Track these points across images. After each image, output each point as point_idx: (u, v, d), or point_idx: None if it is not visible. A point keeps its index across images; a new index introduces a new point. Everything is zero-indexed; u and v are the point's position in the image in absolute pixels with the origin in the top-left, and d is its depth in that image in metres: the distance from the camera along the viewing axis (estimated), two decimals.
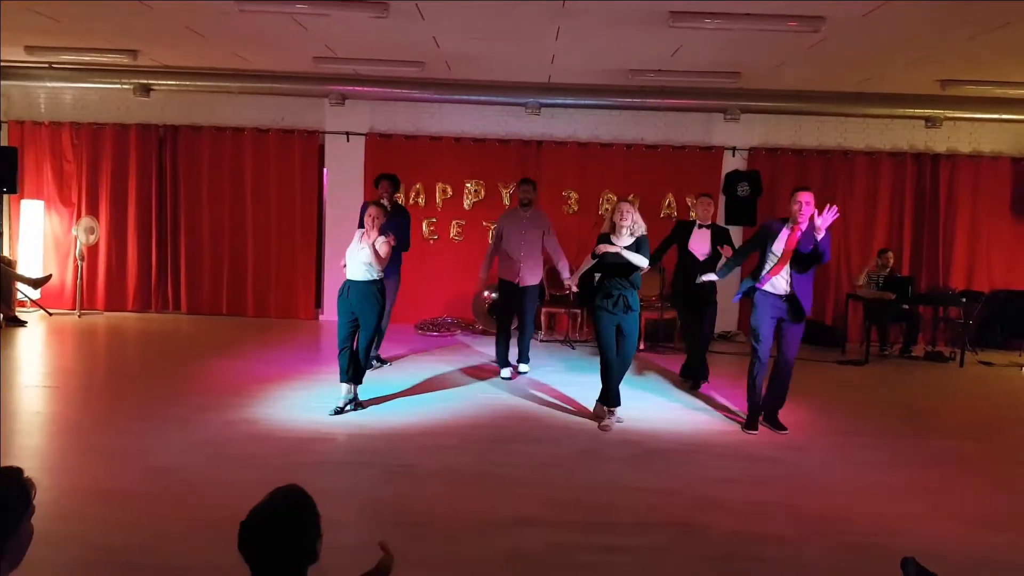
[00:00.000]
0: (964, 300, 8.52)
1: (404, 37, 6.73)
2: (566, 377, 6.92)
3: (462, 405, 5.90)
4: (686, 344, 7.11)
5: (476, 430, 5.31)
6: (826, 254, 5.14)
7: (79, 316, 9.03)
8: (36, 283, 8.88)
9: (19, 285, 8.81)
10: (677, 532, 3.77)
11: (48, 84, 8.91)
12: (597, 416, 5.61)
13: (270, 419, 5.32)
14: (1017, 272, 9.38)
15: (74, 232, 9.10)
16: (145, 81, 8.77)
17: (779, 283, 5.33)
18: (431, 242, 9.40)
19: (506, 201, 9.27)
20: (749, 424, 5.53)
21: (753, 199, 9.19)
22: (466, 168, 9.37)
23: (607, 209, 9.00)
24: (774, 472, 4.70)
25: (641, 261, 5.33)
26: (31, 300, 9.17)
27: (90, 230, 9.06)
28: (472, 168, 9.38)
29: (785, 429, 5.47)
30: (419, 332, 8.92)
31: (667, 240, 6.82)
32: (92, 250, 9.33)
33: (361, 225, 5.84)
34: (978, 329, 8.99)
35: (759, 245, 5.50)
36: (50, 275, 9.19)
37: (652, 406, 6.07)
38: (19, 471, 1.80)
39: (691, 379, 6.77)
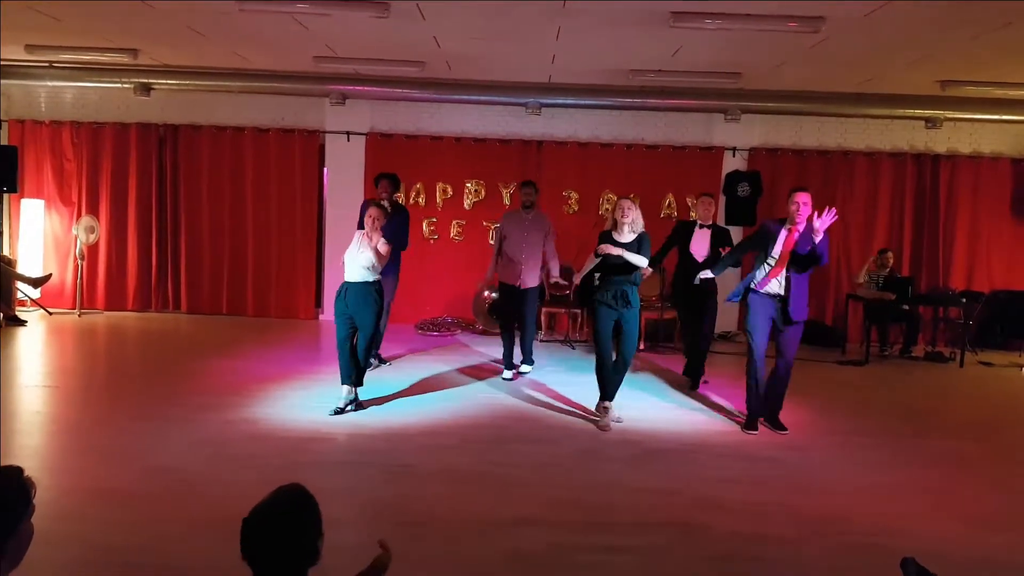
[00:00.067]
0: (964, 300, 8.53)
1: (404, 37, 6.73)
2: (566, 377, 6.92)
3: (462, 405, 5.90)
4: (685, 344, 7.11)
5: (476, 430, 5.31)
6: (824, 256, 5.14)
7: (79, 315, 9.03)
8: (36, 282, 8.88)
9: (19, 284, 8.81)
10: (677, 532, 3.77)
11: (48, 83, 8.91)
12: (599, 416, 5.60)
13: (270, 419, 5.32)
14: (1017, 272, 9.39)
15: (74, 231, 9.10)
16: (145, 80, 8.77)
17: (773, 285, 5.34)
18: (431, 242, 9.40)
19: (506, 201, 9.27)
20: (749, 424, 5.53)
21: (753, 199, 9.19)
22: (466, 168, 9.37)
23: (607, 209, 9.00)
24: (774, 472, 4.70)
25: (642, 261, 5.34)
26: (31, 299, 9.17)
27: (90, 229, 9.06)
28: (472, 168, 9.38)
29: (785, 429, 5.48)
30: (419, 332, 8.92)
31: (668, 242, 6.82)
32: (92, 249, 9.33)
33: (361, 225, 5.84)
34: (978, 329, 9.00)
35: (757, 246, 5.50)
36: (50, 274, 9.19)
37: (652, 406, 6.07)
38: (19, 470, 1.80)
39: (691, 378, 6.78)
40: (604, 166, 9.36)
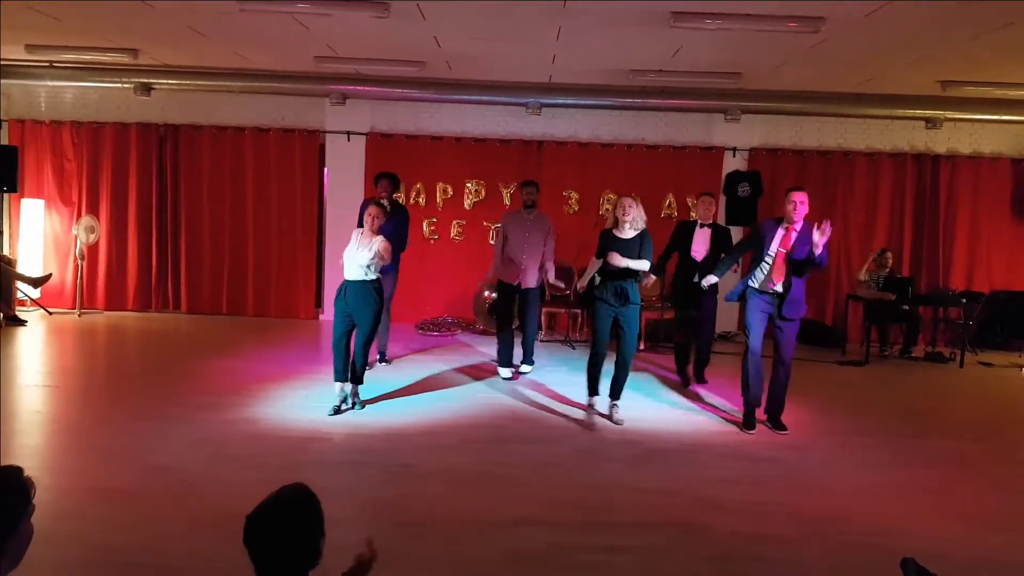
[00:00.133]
0: (964, 301, 8.53)
1: (405, 37, 6.73)
2: (566, 377, 6.91)
3: (462, 405, 5.90)
4: (676, 343, 7.11)
5: (476, 430, 5.31)
6: (823, 261, 5.18)
7: (79, 315, 9.03)
8: (36, 282, 8.88)
9: (19, 284, 8.81)
10: (677, 532, 3.77)
11: (49, 83, 8.91)
12: (612, 418, 5.60)
13: (270, 419, 5.32)
14: (1017, 273, 9.38)
15: (74, 231, 9.10)
16: (146, 80, 8.77)
17: (771, 284, 5.37)
18: (431, 242, 9.40)
19: (507, 201, 9.27)
20: (746, 423, 5.54)
21: (754, 199, 9.18)
22: (467, 168, 9.37)
23: (607, 209, 9.00)
24: (774, 472, 4.70)
25: (644, 265, 5.36)
26: (31, 299, 9.17)
27: (90, 229, 9.06)
28: (473, 168, 9.38)
29: (785, 429, 5.48)
30: (419, 332, 8.92)
31: (671, 245, 6.83)
32: (92, 249, 9.33)
33: (360, 224, 5.84)
34: (978, 330, 9.00)
35: (753, 246, 5.51)
36: (50, 274, 9.19)
37: (652, 406, 6.07)
38: (19, 470, 1.80)
39: (696, 376, 6.83)
40: (604, 166, 9.36)
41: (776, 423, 5.53)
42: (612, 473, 4.60)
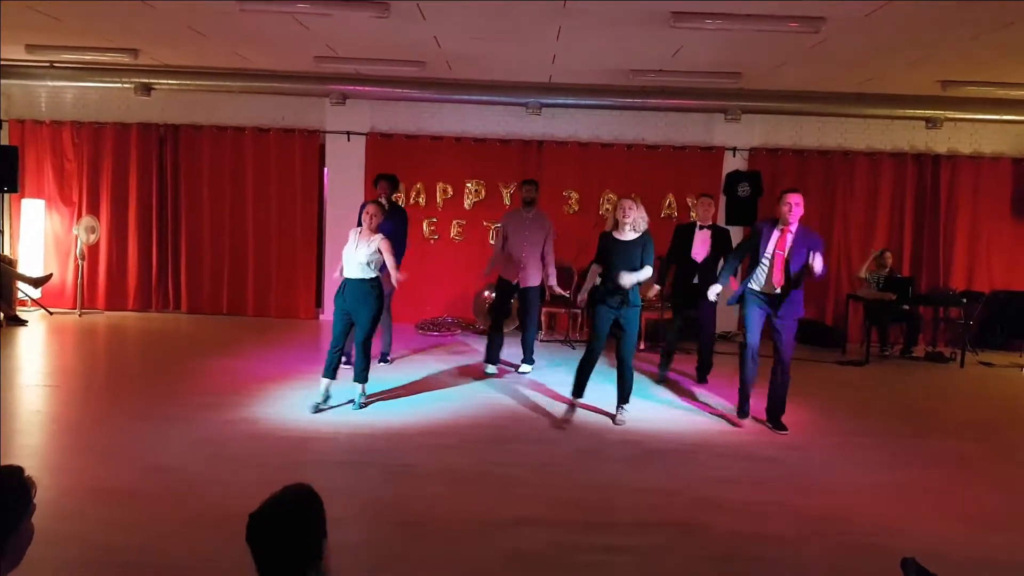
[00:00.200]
0: (964, 301, 8.53)
1: (405, 37, 6.73)
2: (566, 377, 6.86)
3: (462, 405, 5.90)
4: (667, 342, 7.12)
5: (476, 430, 5.31)
6: (821, 277, 5.25)
7: (80, 315, 9.03)
8: (37, 282, 8.88)
9: (20, 284, 8.81)
10: (677, 532, 3.77)
11: (49, 83, 8.91)
12: (614, 419, 5.60)
13: (270, 419, 5.32)
14: (1017, 273, 9.38)
15: (75, 231, 9.10)
16: (146, 80, 8.77)
17: (770, 287, 5.41)
18: (432, 242, 9.40)
19: (506, 201, 9.27)
20: (741, 411, 5.62)
21: (754, 199, 9.15)
22: (467, 168, 9.37)
23: (607, 209, 9.00)
24: (774, 472, 4.70)
25: (647, 273, 5.35)
26: (32, 299, 9.17)
27: (91, 229, 9.06)
28: (473, 168, 9.38)
29: (786, 429, 5.48)
30: (419, 332, 8.92)
31: (671, 251, 6.82)
32: (93, 249, 9.33)
33: (359, 224, 5.84)
34: (978, 330, 9.00)
35: (751, 249, 5.52)
36: (51, 274, 9.19)
37: (652, 406, 6.08)
38: (19, 470, 1.80)
39: (698, 378, 6.87)
40: (604, 166, 9.36)
41: (776, 423, 5.54)
42: (612, 473, 4.60)
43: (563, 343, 8.65)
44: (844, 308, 8.96)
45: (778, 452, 5.08)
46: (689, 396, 6.45)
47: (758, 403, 5.78)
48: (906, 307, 8.56)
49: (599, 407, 5.85)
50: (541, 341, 8.53)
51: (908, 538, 3.71)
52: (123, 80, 8.76)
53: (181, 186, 9.52)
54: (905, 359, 8.50)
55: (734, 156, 9.40)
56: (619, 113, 9.36)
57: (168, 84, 8.86)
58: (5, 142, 9.16)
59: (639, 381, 6.79)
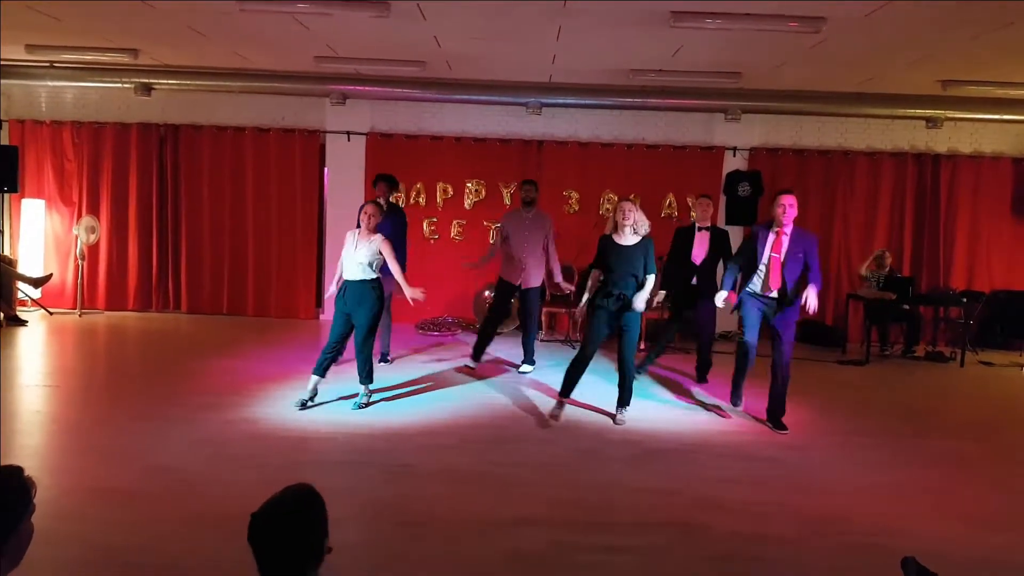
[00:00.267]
0: (964, 300, 8.53)
1: (405, 37, 6.73)
2: None
3: (462, 405, 5.90)
4: (661, 340, 7.12)
5: (476, 430, 5.31)
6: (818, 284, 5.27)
7: (80, 315, 9.03)
8: (37, 282, 8.88)
9: (20, 284, 8.81)
10: (677, 532, 3.77)
11: (49, 83, 8.91)
12: (615, 419, 5.60)
13: (270, 419, 5.32)
14: (1017, 272, 9.38)
15: (75, 231, 9.10)
16: (146, 80, 8.77)
17: (769, 290, 5.43)
18: (432, 242, 9.40)
19: (507, 201, 9.28)
20: (733, 399, 5.75)
21: (754, 199, 9.18)
22: (467, 168, 9.37)
23: (608, 209, 9.01)
24: (774, 472, 4.70)
25: (650, 282, 5.34)
26: (32, 299, 9.17)
27: (91, 229, 9.06)
28: (473, 168, 9.38)
29: (786, 430, 5.48)
30: (419, 332, 8.92)
31: (672, 256, 6.81)
32: (93, 249, 9.33)
33: (358, 226, 5.84)
34: (978, 329, 9.00)
35: (748, 252, 5.53)
36: (51, 274, 9.19)
37: (652, 406, 6.07)
38: (19, 470, 1.80)
39: (698, 377, 6.88)
40: (604, 166, 9.36)
41: (776, 423, 5.54)
42: (612, 473, 4.60)
43: (563, 343, 8.65)
44: (844, 308, 8.96)
45: (778, 452, 5.07)
46: (688, 396, 6.44)
47: (758, 403, 5.79)
48: (906, 307, 8.57)
49: (599, 407, 5.85)
50: (541, 341, 8.53)
51: (908, 538, 3.71)
52: (123, 80, 8.77)
53: (181, 186, 9.52)
54: (905, 359, 8.50)
55: (734, 156, 9.40)
56: (619, 113, 9.36)
57: (168, 84, 8.86)
58: (5, 142, 9.16)
59: (642, 381, 6.81)
